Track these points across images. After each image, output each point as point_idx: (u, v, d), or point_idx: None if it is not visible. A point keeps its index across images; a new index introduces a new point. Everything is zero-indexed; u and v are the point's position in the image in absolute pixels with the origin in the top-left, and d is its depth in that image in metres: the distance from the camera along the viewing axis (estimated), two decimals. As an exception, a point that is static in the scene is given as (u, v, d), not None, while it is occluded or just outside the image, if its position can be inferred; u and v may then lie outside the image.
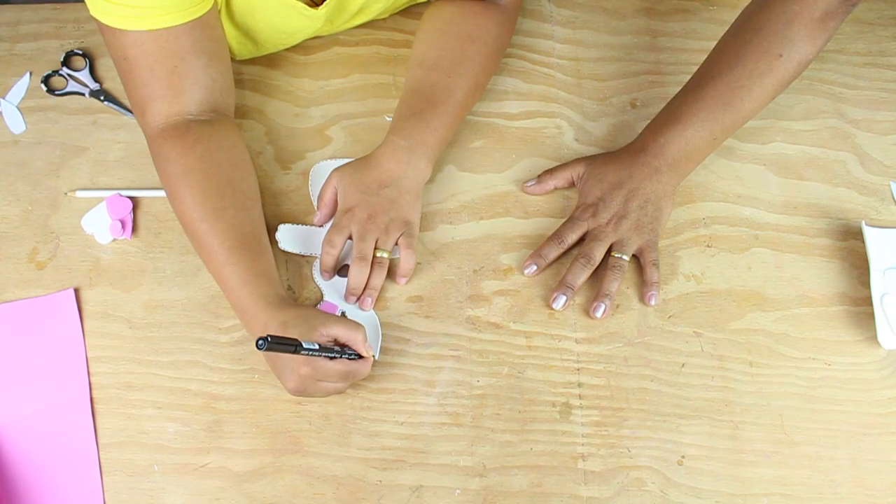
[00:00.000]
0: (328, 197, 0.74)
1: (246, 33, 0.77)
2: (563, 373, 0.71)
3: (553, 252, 0.74)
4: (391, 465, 0.67)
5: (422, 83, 0.77)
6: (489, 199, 0.79)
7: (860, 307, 0.74)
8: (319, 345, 0.61)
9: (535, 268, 0.74)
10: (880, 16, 0.91)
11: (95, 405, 0.69)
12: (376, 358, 0.70)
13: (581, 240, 0.74)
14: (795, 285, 0.76)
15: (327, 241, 0.72)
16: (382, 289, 0.73)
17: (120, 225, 0.74)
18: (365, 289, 0.72)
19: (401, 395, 0.70)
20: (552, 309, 0.73)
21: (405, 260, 0.72)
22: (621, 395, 0.70)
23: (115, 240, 0.75)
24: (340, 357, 0.64)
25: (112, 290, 0.73)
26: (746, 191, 0.80)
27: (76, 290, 0.73)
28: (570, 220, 0.75)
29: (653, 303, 0.73)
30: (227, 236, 0.67)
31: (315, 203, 0.77)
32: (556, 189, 0.79)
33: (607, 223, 0.73)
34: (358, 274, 0.71)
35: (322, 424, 0.68)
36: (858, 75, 0.87)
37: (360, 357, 0.66)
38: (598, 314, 0.72)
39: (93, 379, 0.69)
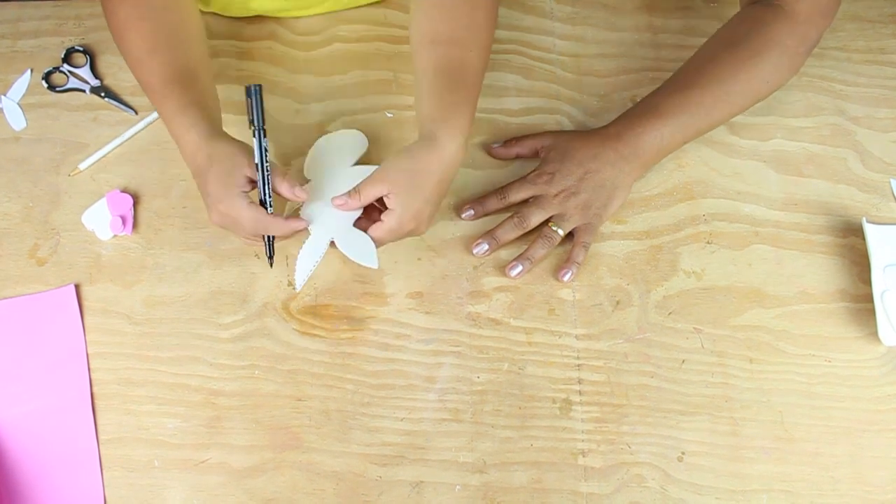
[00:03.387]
0: (372, 194, 0.68)
1: None
2: (564, 369, 0.71)
3: (493, 205, 0.76)
4: (391, 461, 0.67)
5: (443, 62, 0.72)
6: (489, 195, 0.79)
7: (860, 304, 0.74)
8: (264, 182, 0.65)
9: (472, 213, 0.77)
10: (880, 13, 0.91)
11: (96, 401, 0.69)
12: (375, 267, 0.68)
13: (524, 202, 0.76)
14: (796, 282, 0.76)
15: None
16: (382, 284, 0.73)
17: (120, 221, 0.74)
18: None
19: (401, 391, 0.70)
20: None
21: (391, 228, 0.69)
22: (621, 392, 0.70)
23: (115, 236, 0.75)
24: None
25: (112, 287, 0.73)
26: (747, 187, 0.80)
27: (77, 287, 0.73)
28: (521, 181, 0.76)
29: (565, 279, 0.74)
30: (163, 72, 0.69)
31: (307, 173, 0.75)
32: (518, 156, 0.80)
33: (556, 195, 0.74)
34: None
35: (322, 420, 0.68)
36: (859, 72, 0.87)
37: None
38: (514, 273, 0.74)
39: (93, 375, 0.70)
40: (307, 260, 0.70)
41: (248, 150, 0.66)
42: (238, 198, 0.64)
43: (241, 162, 0.64)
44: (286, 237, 0.68)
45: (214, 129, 0.67)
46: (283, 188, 0.66)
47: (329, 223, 0.70)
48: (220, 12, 0.85)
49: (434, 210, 0.69)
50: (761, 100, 0.76)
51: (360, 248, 0.69)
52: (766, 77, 0.74)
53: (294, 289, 0.72)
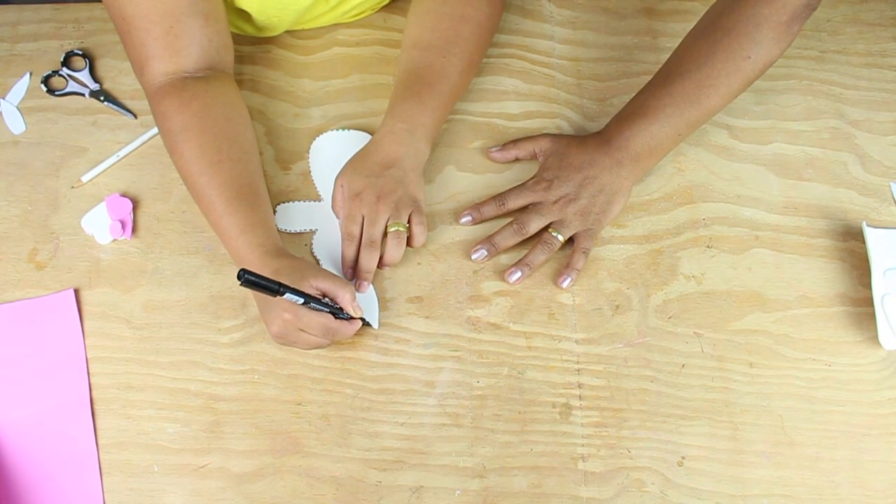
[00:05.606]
0: (339, 198, 0.74)
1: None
2: (564, 373, 0.71)
3: (492, 212, 0.76)
4: (391, 466, 0.67)
5: (417, 64, 0.78)
6: (489, 199, 0.78)
7: (860, 308, 0.74)
8: (308, 296, 0.63)
9: (470, 218, 0.76)
10: (881, 16, 0.91)
11: (95, 406, 0.69)
12: (376, 328, 0.71)
13: (523, 208, 0.75)
14: (796, 286, 0.75)
15: (346, 235, 0.73)
16: (381, 290, 0.73)
17: (120, 225, 0.74)
18: (383, 263, 0.73)
19: (401, 395, 0.70)
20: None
21: (418, 234, 0.73)
22: (621, 396, 0.70)
23: (114, 240, 0.75)
24: (328, 312, 0.65)
25: (112, 291, 0.73)
26: (747, 191, 0.80)
27: (76, 291, 0.73)
28: (520, 188, 0.76)
29: (564, 285, 0.73)
30: (224, 188, 0.69)
31: (315, 181, 0.78)
32: (517, 159, 0.80)
33: (555, 201, 0.74)
34: (368, 259, 0.72)
35: (322, 425, 0.68)
36: (859, 76, 0.87)
37: (350, 318, 0.67)
38: (513, 279, 0.73)
39: (92, 379, 0.69)
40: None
41: (312, 263, 0.68)
42: (304, 306, 0.64)
43: (307, 274, 0.65)
44: (348, 338, 0.69)
45: (278, 247, 0.68)
46: (346, 300, 0.66)
47: (339, 264, 0.74)
48: (256, 34, 0.85)
49: (393, 186, 0.72)
50: (752, 79, 0.73)
51: (366, 302, 0.72)
52: (746, 53, 0.70)
53: None
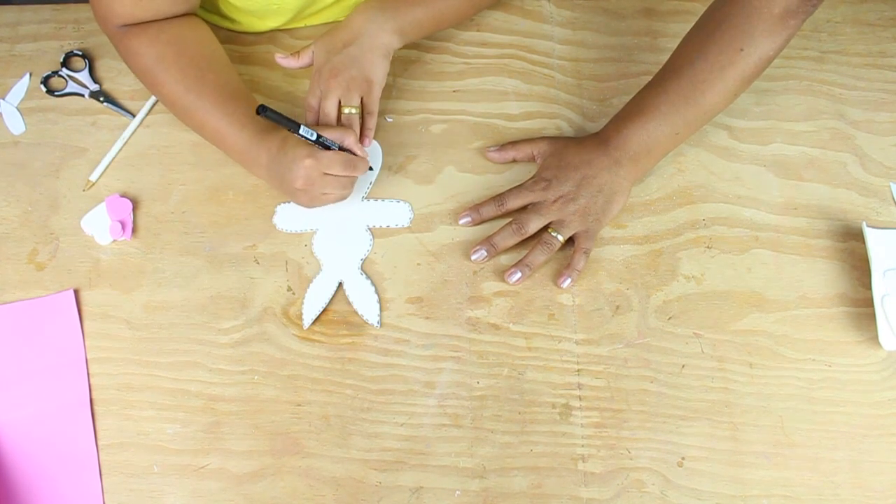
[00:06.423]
0: (313, 75, 0.76)
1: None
2: (563, 374, 0.71)
3: (491, 212, 0.76)
4: (391, 467, 0.67)
5: None
6: (489, 200, 0.78)
7: (860, 308, 0.74)
8: (320, 134, 0.68)
9: (469, 219, 0.76)
10: (880, 17, 0.91)
11: (95, 406, 0.69)
12: (377, 326, 0.72)
13: (523, 209, 0.75)
14: (796, 286, 0.75)
15: (305, 105, 0.75)
16: (382, 289, 0.73)
17: (120, 226, 0.74)
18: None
19: (400, 396, 0.70)
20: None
21: (365, 121, 0.74)
22: (621, 397, 0.70)
23: (114, 241, 0.75)
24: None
25: (112, 292, 0.73)
26: (747, 192, 0.80)
27: (76, 291, 0.73)
28: (519, 188, 0.76)
29: (564, 286, 0.73)
30: (216, 96, 0.72)
31: None
32: (515, 161, 0.80)
33: (554, 201, 0.74)
34: (328, 132, 0.72)
35: (322, 426, 0.68)
36: (859, 76, 0.87)
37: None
38: (513, 279, 0.73)
39: (92, 380, 0.70)
40: (316, 302, 0.72)
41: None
42: (321, 149, 0.68)
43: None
44: (364, 172, 0.72)
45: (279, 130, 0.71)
46: (351, 141, 0.70)
47: (340, 263, 0.74)
48: (245, 30, 0.85)
49: (347, 63, 0.73)
50: (748, 74, 0.71)
51: (366, 300, 0.72)
52: (738, 45, 0.70)
53: (293, 294, 0.73)
